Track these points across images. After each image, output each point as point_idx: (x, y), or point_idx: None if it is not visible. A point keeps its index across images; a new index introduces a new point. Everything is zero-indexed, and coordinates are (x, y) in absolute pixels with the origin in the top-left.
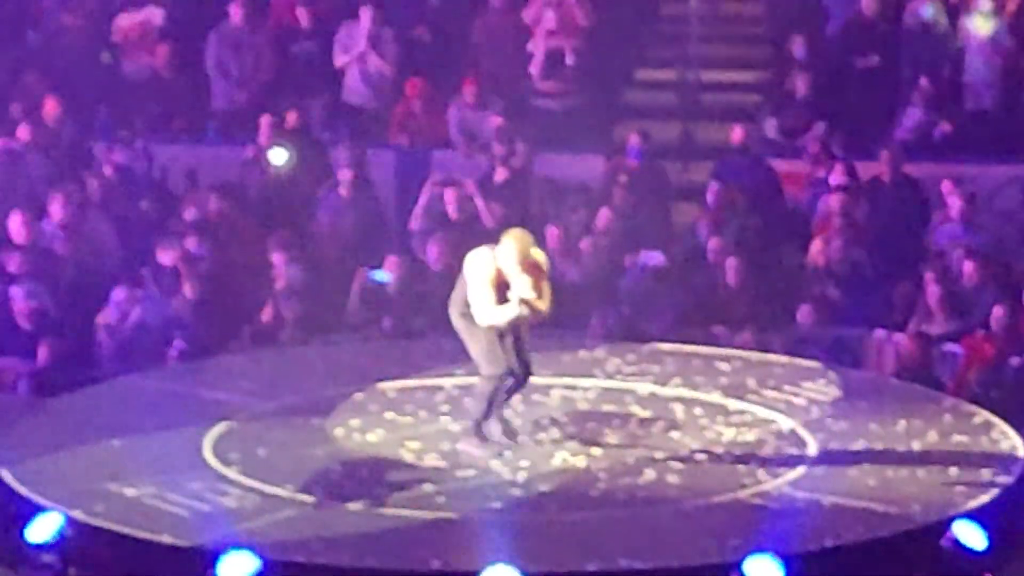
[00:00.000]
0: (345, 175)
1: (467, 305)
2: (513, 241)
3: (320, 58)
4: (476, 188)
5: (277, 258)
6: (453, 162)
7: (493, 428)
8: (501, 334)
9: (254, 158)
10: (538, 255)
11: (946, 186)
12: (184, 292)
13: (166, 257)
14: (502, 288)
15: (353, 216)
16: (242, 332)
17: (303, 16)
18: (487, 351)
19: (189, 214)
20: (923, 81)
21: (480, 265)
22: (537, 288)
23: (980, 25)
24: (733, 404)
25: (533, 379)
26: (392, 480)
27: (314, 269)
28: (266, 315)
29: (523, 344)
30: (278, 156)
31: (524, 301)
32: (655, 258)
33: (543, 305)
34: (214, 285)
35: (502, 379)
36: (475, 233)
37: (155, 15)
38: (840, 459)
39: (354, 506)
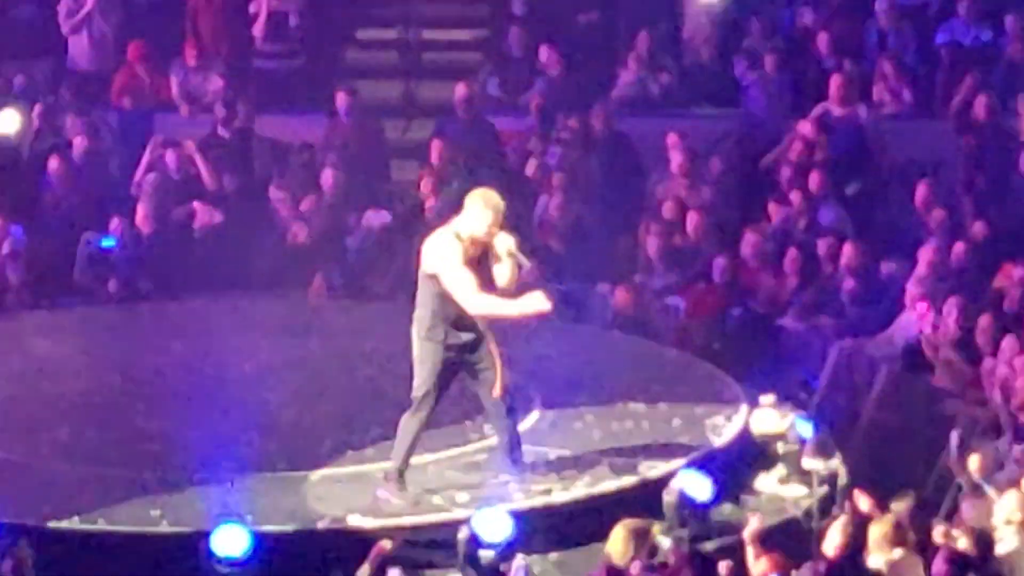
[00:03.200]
0: (79, 142)
1: (430, 328)
2: (488, 207)
3: (43, 23)
4: (196, 149)
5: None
6: (176, 124)
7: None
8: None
9: None
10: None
11: (671, 139)
12: None
13: None
14: (475, 263)
15: (81, 181)
16: None
17: None
18: (429, 372)
19: None
20: (641, 36)
21: (446, 250)
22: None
23: None
24: None
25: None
26: (119, 440)
27: (39, 233)
28: None
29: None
30: (8, 122)
31: (513, 253)
32: (381, 217)
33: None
34: None
35: (428, 414)
36: (195, 194)
37: None
38: (565, 413)
39: (83, 467)
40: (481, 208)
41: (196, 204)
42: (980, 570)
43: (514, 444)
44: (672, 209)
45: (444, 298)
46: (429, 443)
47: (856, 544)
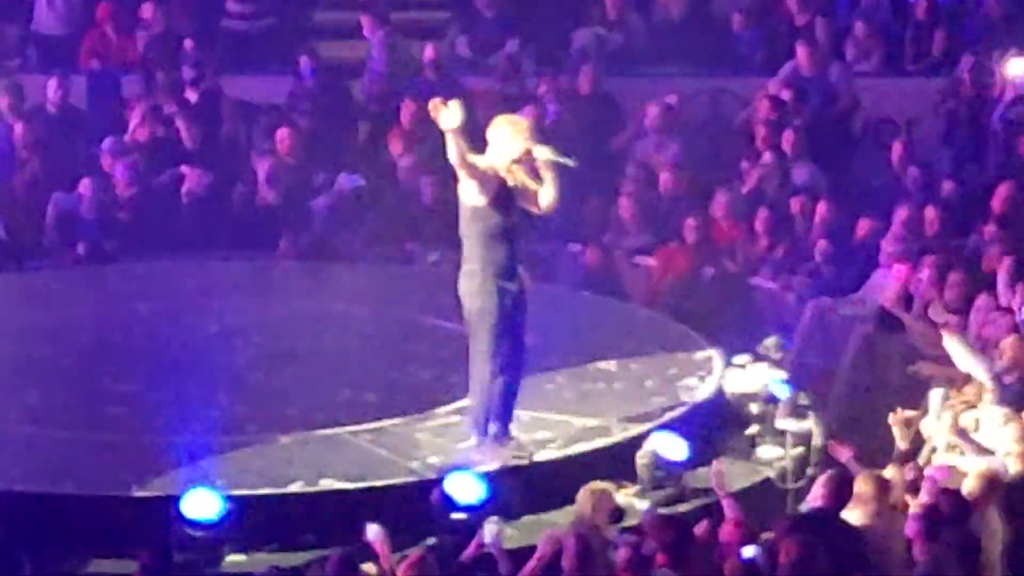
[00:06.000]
0: (49, 105)
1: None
2: (514, 125)
3: None
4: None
5: None
6: (143, 85)
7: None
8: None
9: None
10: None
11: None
12: None
13: None
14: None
15: (50, 143)
16: None
17: None
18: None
19: None
20: None
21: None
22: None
23: None
24: (430, 321)
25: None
26: (88, 403)
27: (6, 196)
28: None
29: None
30: None
31: (554, 158)
32: (353, 180)
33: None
34: None
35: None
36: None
37: None
38: (536, 374)
39: (51, 431)
40: (510, 131)
41: (184, 168)
42: (953, 529)
43: (490, 407)
44: (644, 169)
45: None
46: (401, 407)
47: (841, 499)
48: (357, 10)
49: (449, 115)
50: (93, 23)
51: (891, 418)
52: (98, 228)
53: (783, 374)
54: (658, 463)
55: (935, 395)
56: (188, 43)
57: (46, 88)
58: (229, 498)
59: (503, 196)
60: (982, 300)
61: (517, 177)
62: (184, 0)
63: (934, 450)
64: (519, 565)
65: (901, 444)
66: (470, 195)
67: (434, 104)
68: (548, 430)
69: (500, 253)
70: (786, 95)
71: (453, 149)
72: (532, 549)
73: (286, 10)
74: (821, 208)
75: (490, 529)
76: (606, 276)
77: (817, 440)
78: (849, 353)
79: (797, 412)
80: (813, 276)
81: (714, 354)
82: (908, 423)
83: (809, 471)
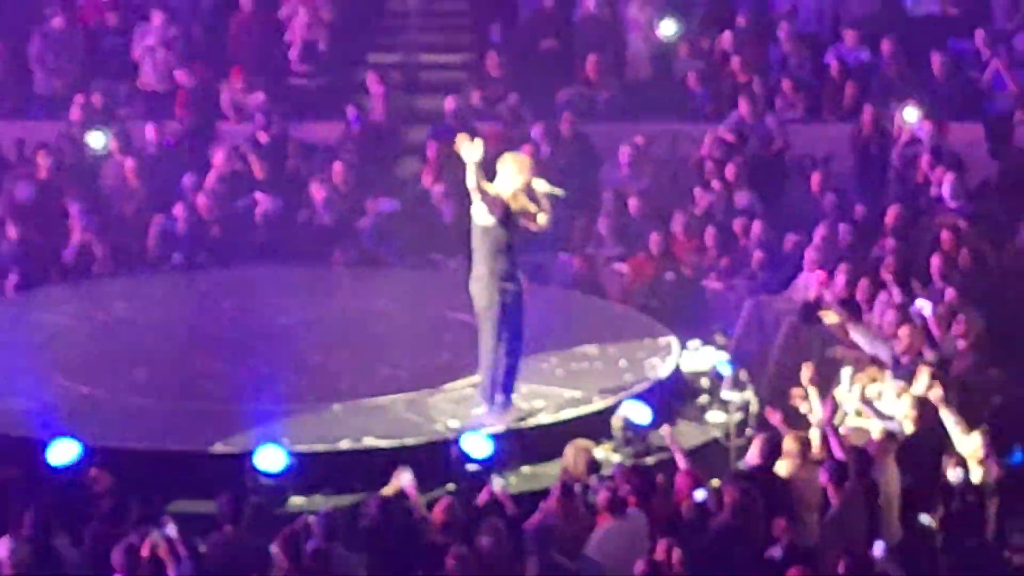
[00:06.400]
0: (150, 146)
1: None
2: (519, 163)
3: (123, 50)
4: (248, 148)
5: (74, 209)
6: (226, 131)
7: None
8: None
9: (69, 133)
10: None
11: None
12: (7, 234)
13: None
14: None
15: (152, 176)
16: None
17: (111, 17)
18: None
19: (15, 175)
20: (591, 58)
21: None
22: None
23: (637, 12)
24: (450, 315)
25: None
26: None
27: (114, 218)
28: (70, 255)
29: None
30: (96, 140)
31: (548, 190)
32: (391, 204)
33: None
34: (33, 229)
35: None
36: (247, 183)
37: None
38: (533, 355)
39: (153, 400)
40: (515, 166)
41: (258, 194)
42: (859, 477)
43: (496, 382)
44: (618, 195)
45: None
46: (427, 382)
47: (772, 455)
48: (394, 70)
49: (472, 150)
50: (184, 78)
51: (793, 392)
52: (190, 243)
53: (727, 356)
54: (628, 426)
55: (846, 372)
56: (260, 96)
57: (146, 132)
58: (292, 453)
59: (507, 216)
60: (882, 297)
61: (519, 202)
62: (258, 62)
63: (845, 415)
64: (520, 507)
65: (804, 410)
66: (480, 216)
67: (461, 140)
68: (541, 399)
69: (503, 262)
70: (730, 138)
71: (472, 177)
72: (531, 494)
73: (337, 71)
74: (757, 226)
75: (497, 480)
76: (589, 280)
77: (753, 408)
78: (779, 339)
79: (738, 385)
80: (751, 279)
81: (672, 340)
82: (805, 395)
83: (747, 432)
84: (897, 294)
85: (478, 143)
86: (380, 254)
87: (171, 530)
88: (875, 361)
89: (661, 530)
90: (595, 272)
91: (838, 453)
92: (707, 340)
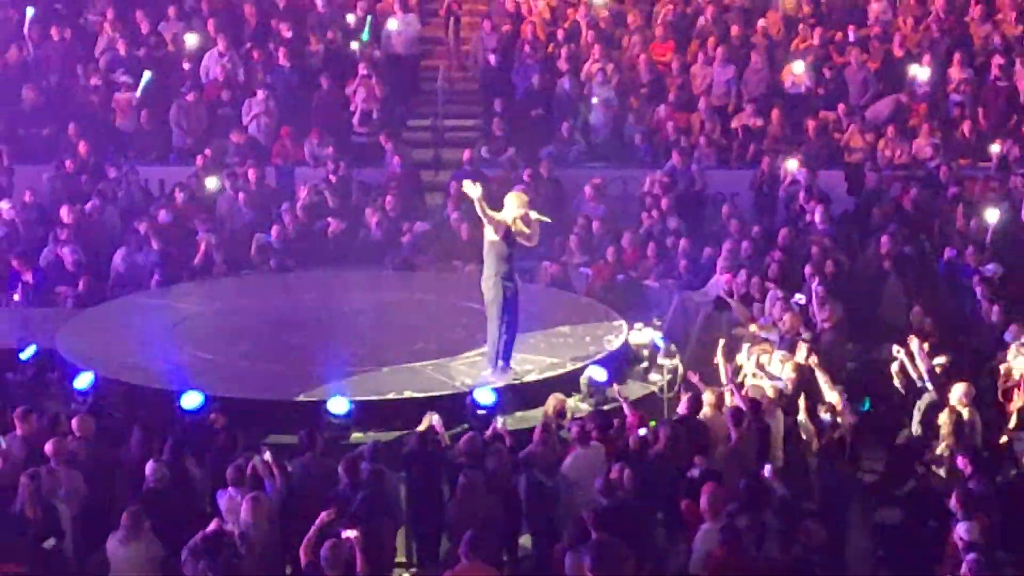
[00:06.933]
0: (253, 184)
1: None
2: (520, 199)
3: (235, 116)
4: (323, 186)
5: (200, 228)
6: (306, 173)
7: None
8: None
9: (195, 176)
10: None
11: (585, 182)
12: (152, 246)
13: (141, 227)
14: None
15: (254, 205)
16: (184, 270)
17: (225, 94)
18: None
19: (158, 205)
20: (565, 124)
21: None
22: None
23: (599, 92)
24: (466, 305)
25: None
26: (276, 349)
27: (228, 234)
28: (197, 261)
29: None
30: (212, 183)
31: (538, 217)
32: (423, 226)
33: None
34: (171, 243)
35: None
36: (322, 211)
37: (134, 97)
38: (524, 333)
39: (256, 364)
40: (517, 200)
41: (330, 219)
42: (753, 421)
43: (498, 352)
44: (585, 220)
45: (499, 257)
46: (449, 351)
47: (695, 404)
48: (427, 131)
49: (472, 188)
50: (278, 136)
51: (716, 358)
52: (282, 252)
53: (661, 334)
54: (592, 383)
55: (745, 346)
56: (331, 149)
57: (250, 175)
58: (353, 402)
59: (508, 236)
60: (771, 293)
61: (517, 226)
62: (331, 125)
63: (745, 376)
64: (515, 438)
65: (721, 373)
66: (489, 234)
67: (462, 183)
68: (530, 365)
69: (505, 267)
70: (665, 180)
71: (478, 207)
72: (523, 431)
73: (386, 130)
74: (683, 242)
75: (499, 421)
76: (563, 280)
77: (680, 371)
78: (698, 322)
79: (669, 354)
80: (678, 280)
81: (623, 323)
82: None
83: (676, 388)
84: (781, 291)
85: (477, 184)
86: (416, 261)
87: (268, 455)
88: (766, 339)
89: (615, 457)
90: (567, 275)
91: (739, 403)
92: (647, 323)
